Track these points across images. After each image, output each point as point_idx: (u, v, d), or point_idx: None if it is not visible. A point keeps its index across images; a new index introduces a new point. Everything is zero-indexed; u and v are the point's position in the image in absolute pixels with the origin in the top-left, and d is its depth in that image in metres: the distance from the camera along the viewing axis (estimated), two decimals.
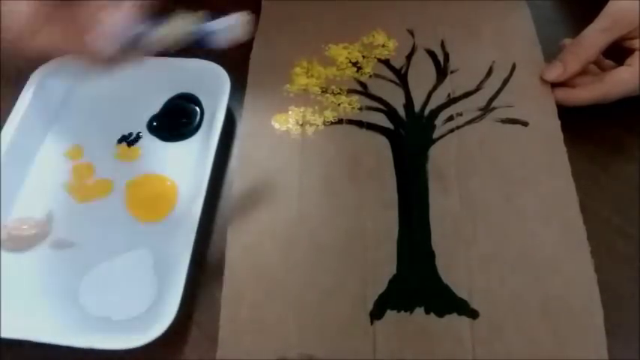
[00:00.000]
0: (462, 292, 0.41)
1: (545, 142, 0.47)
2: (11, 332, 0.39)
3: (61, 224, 0.46)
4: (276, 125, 0.49)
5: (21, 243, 0.44)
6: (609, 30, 0.48)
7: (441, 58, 0.53)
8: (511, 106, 0.49)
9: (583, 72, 0.49)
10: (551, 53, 0.51)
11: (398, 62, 0.53)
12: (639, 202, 0.46)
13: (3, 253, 0.44)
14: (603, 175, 0.47)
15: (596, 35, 0.48)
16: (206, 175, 0.45)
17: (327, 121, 0.49)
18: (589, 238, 0.42)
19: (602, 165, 0.48)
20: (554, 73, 0.49)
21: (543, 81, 0.50)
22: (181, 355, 0.40)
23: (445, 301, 0.40)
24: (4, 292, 0.42)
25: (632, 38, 0.48)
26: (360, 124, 0.49)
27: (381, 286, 0.41)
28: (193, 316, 0.42)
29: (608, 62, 0.50)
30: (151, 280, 0.43)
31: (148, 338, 0.38)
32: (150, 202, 0.47)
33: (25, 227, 0.45)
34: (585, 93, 0.48)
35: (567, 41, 0.51)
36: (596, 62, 0.50)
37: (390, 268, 0.42)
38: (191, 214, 0.43)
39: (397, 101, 0.50)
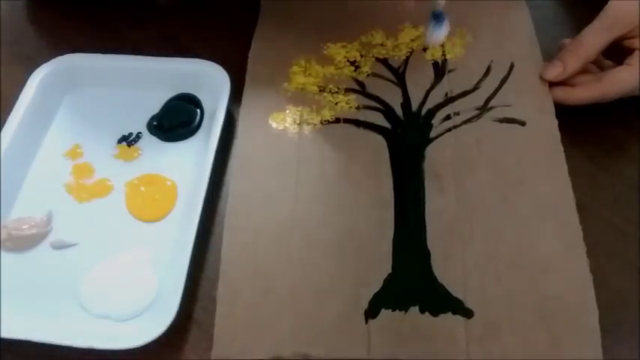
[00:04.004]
0: (457, 292, 0.41)
1: (543, 142, 0.47)
2: (11, 332, 0.39)
3: (61, 224, 0.46)
4: (274, 124, 0.49)
5: (21, 243, 0.45)
6: (609, 29, 0.47)
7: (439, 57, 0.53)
8: (509, 106, 0.49)
9: (582, 71, 0.49)
10: (551, 53, 0.51)
11: (396, 61, 0.53)
12: (639, 202, 0.45)
13: (3, 253, 0.45)
14: (602, 175, 0.47)
15: (596, 34, 0.48)
16: (206, 175, 0.45)
17: (325, 120, 0.49)
18: (588, 238, 0.42)
19: (602, 165, 0.48)
20: (554, 72, 0.49)
21: (542, 80, 0.50)
22: (181, 355, 0.41)
23: (440, 301, 0.40)
24: (4, 292, 0.43)
25: (631, 38, 0.48)
26: (357, 123, 0.49)
27: (376, 285, 0.41)
28: (193, 316, 0.42)
29: (608, 62, 0.50)
30: (151, 279, 0.43)
31: (148, 338, 0.38)
32: (150, 202, 0.47)
33: (25, 227, 0.45)
34: (584, 92, 0.48)
35: (567, 41, 0.51)
36: (595, 62, 0.50)
37: (385, 267, 0.42)
38: (191, 214, 0.43)
39: (395, 100, 0.50)
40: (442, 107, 0.50)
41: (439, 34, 0.47)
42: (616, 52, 0.49)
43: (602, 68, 0.50)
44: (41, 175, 0.49)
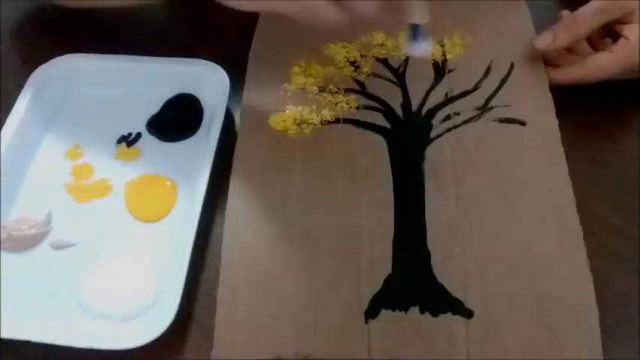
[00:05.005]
0: (457, 292, 0.41)
1: (543, 142, 0.47)
2: (11, 332, 0.39)
3: (60, 224, 0.46)
4: (274, 124, 0.49)
5: (21, 243, 0.45)
6: (602, 11, 0.48)
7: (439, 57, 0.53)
8: (509, 106, 0.49)
9: (570, 51, 0.50)
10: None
11: (396, 61, 0.53)
12: (639, 202, 0.45)
13: (3, 253, 0.45)
14: (603, 175, 0.47)
15: (590, 14, 0.49)
16: (206, 175, 0.45)
17: (325, 121, 0.49)
18: (588, 238, 0.42)
19: (602, 165, 0.48)
20: (543, 42, 0.50)
21: (542, 80, 0.50)
22: (181, 355, 0.41)
23: (440, 301, 0.40)
24: (4, 292, 0.42)
25: (623, 23, 0.48)
26: (357, 123, 0.49)
27: (377, 286, 0.41)
28: (193, 316, 0.42)
29: (607, 40, 0.50)
30: (151, 280, 0.43)
31: (148, 338, 0.38)
32: (149, 202, 0.47)
33: (25, 227, 0.45)
34: (565, 74, 0.49)
35: (565, 12, 0.51)
36: (589, 40, 0.51)
37: (385, 268, 0.42)
38: (191, 214, 0.43)
39: (395, 100, 0.50)
40: (442, 107, 0.50)
41: (419, 49, 0.46)
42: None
43: (596, 47, 0.51)
44: (41, 175, 0.49)
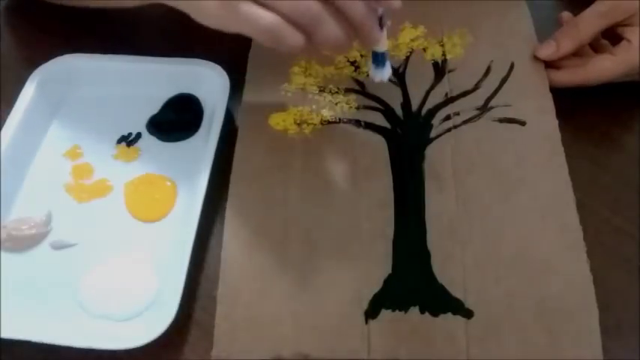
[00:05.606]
0: (457, 292, 0.41)
1: (543, 142, 0.47)
2: (11, 332, 0.39)
3: (60, 224, 0.46)
4: (274, 124, 0.49)
5: (21, 243, 0.45)
6: (605, 15, 0.48)
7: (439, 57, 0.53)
8: (509, 106, 0.49)
9: (573, 54, 0.50)
10: None
11: (396, 61, 0.53)
12: (639, 202, 0.46)
13: (3, 253, 0.45)
14: (603, 175, 0.47)
15: (592, 19, 0.49)
16: (205, 175, 0.45)
17: (325, 121, 0.49)
18: (588, 238, 0.42)
19: (602, 165, 0.48)
20: (547, 51, 0.50)
21: (542, 80, 0.50)
22: (181, 355, 0.41)
23: (440, 301, 0.40)
24: (4, 292, 0.43)
25: (625, 25, 0.49)
26: (357, 123, 0.49)
27: (376, 286, 0.41)
28: (193, 316, 0.42)
29: (604, 42, 0.51)
30: (151, 280, 0.43)
31: (148, 338, 0.38)
32: (149, 202, 0.47)
33: (24, 227, 0.45)
34: (567, 76, 0.50)
35: (565, 14, 0.51)
36: (591, 43, 0.51)
37: (385, 268, 0.42)
38: (190, 214, 0.43)
39: (395, 100, 0.50)
40: (442, 107, 0.50)
41: (381, 74, 0.46)
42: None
43: (597, 49, 0.51)
44: (41, 175, 0.49)
